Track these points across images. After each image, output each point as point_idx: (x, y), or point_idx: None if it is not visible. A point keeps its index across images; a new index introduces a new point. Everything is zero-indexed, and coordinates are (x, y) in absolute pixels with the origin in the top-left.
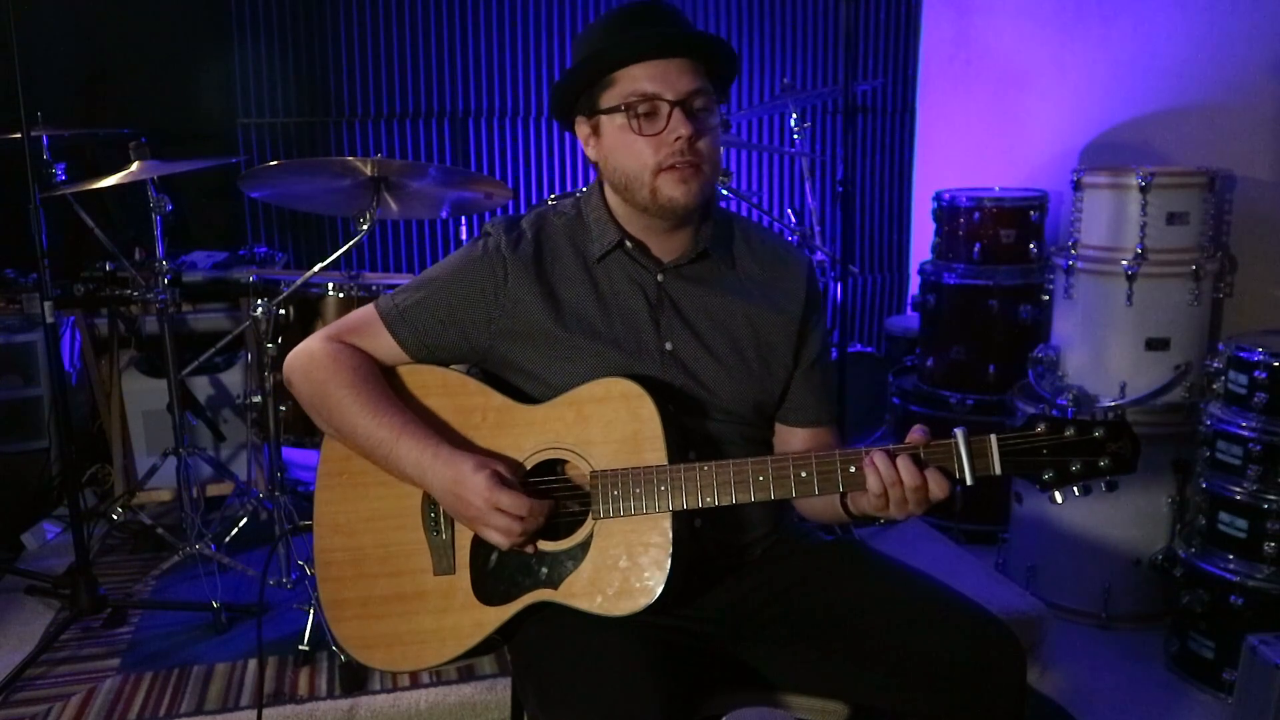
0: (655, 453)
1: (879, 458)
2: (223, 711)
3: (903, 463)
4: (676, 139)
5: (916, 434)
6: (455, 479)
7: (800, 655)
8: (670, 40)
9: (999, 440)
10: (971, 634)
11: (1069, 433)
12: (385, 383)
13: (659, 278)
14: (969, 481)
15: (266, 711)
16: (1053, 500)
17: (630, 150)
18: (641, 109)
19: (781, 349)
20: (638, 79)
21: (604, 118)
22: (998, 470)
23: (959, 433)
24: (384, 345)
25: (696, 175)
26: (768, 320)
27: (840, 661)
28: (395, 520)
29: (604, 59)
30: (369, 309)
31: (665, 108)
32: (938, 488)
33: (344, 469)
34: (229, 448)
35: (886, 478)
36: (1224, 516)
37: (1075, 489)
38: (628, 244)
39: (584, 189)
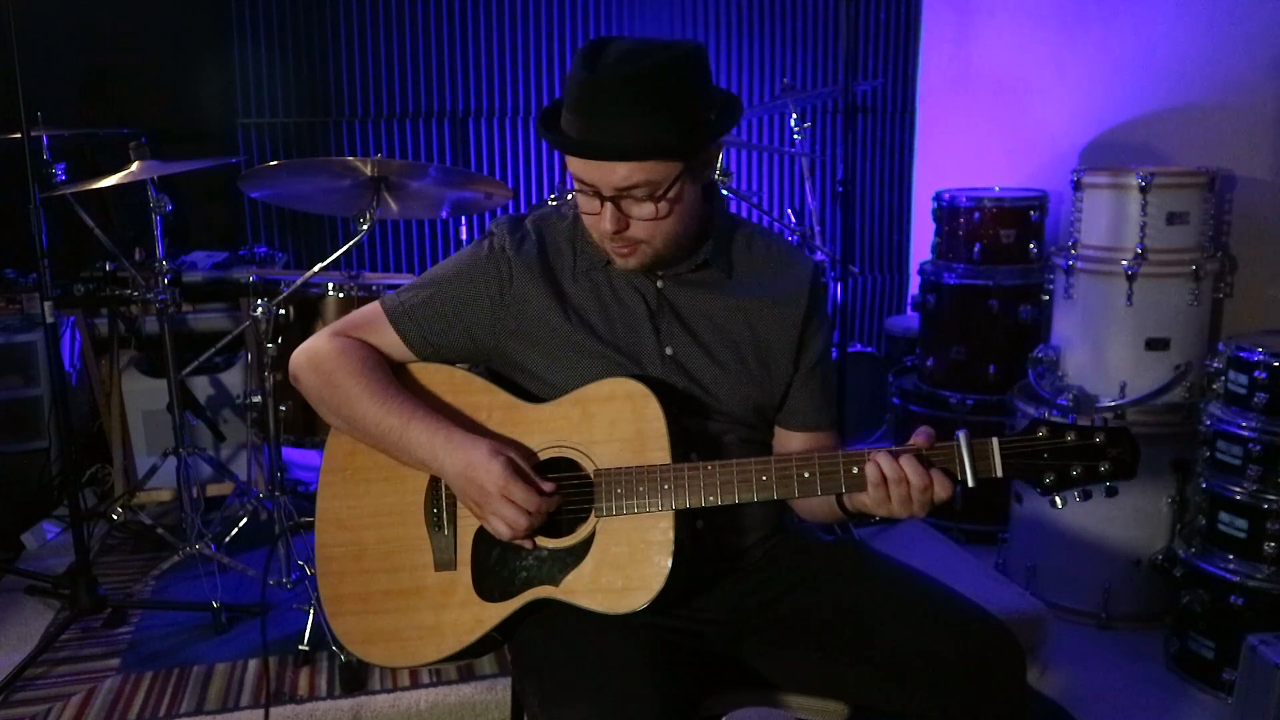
0: (659, 452)
1: (883, 459)
2: (223, 711)
3: (907, 462)
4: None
5: (920, 436)
6: (469, 463)
7: (800, 655)
8: (600, 148)
9: (1001, 444)
10: (971, 635)
11: (1070, 437)
12: (392, 373)
13: (658, 284)
14: (971, 483)
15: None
16: (1053, 505)
17: (582, 213)
18: (585, 191)
19: (782, 352)
20: (577, 166)
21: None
22: (999, 473)
23: (961, 435)
24: (389, 342)
25: (634, 253)
26: (768, 323)
27: (840, 662)
28: (397, 516)
29: (551, 141)
30: (374, 306)
31: (599, 199)
32: (942, 488)
33: (348, 464)
34: (229, 448)
35: (890, 475)
36: (1224, 516)
37: (1076, 494)
38: None
39: None
